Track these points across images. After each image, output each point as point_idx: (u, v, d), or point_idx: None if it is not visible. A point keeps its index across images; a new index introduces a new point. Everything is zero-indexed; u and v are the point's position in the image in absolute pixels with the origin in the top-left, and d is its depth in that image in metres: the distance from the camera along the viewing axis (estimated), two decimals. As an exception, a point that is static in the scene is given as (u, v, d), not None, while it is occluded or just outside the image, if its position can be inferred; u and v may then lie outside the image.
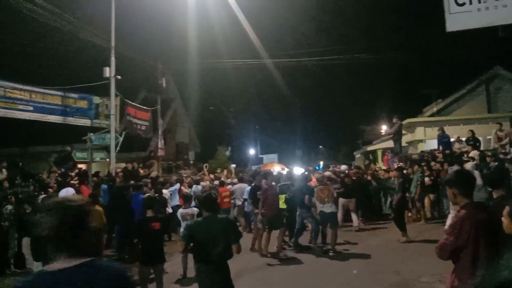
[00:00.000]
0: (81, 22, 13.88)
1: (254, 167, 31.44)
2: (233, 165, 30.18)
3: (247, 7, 17.61)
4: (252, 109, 52.09)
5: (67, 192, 4.95)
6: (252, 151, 49.07)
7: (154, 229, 5.99)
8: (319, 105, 75.93)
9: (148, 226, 5.99)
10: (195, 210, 7.95)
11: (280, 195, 10.10)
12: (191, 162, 26.36)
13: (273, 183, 10.12)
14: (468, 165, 10.17)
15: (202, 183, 13.06)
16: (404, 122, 19.11)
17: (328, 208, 9.29)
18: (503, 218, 2.26)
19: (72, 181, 11.28)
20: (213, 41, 23.74)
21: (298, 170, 22.48)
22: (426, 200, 12.38)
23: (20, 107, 12.58)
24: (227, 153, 31.87)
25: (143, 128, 16.90)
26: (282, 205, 10.00)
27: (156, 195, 9.18)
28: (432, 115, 22.36)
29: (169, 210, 10.88)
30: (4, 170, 11.74)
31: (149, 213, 6.15)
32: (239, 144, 43.32)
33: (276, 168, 26.35)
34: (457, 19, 3.67)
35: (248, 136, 48.33)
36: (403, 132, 18.29)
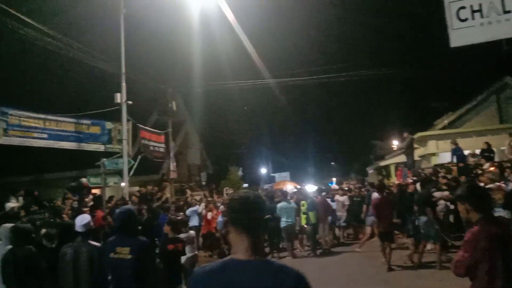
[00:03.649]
0: (91, 49, 14.20)
1: (266, 186, 31.39)
2: (245, 185, 30.16)
3: (252, 31, 17.91)
4: (263, 128, 52.30)
5: (83, 219, 5.00)
6: (263, 170, 49.03)
7: (176, 250, 6.10)
8: (330, 122, 76.05)
9: (170, 247, 6.11)
10: (192, 233, 8.49)
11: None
12: (203, 183, 26.43)
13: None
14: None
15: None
16: (416, 136, 19.03)
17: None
18: None
19: (83, 208, 11.26)
20: (219, 64, 24.07)
21: (311, 188, 22.37)
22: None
23: (35, 135, 12.81)
24: (239, 173, 31.89)
25: (161, 150, 17.10)
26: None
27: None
28: (443, 128, 22.21)
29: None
30: (20, 198, 11.92)
31: (171, 234, 6.27)
32: (250, 163, 43.36)
33: (289, 187, 26.29)
34: (460, 35, 3.69)
35: (259, 155, 48.40)
36: (415, 146, 18.18)
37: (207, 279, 1.98)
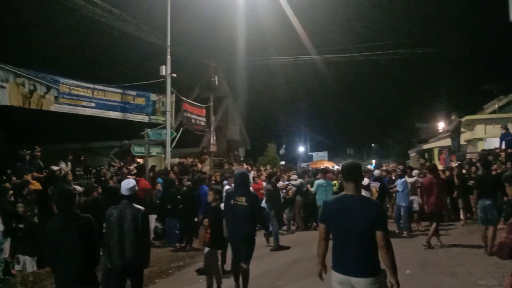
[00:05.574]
0: (138, 22, 14.46)
1: (303, 165, 31.29)
2: (282, 162, 30.22)
3: (296, 4, 17.58)
4: (302, 106, 51.89)
5: (129, 183, 5.22)
6: (301, 149, 48.83)
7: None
8: (372, 102, 74.20)
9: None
10: None
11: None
12: (241, 158, 26.73)
13: None
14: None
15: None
16: (463, 119, 18.30)
17: None
18: None
19: (129, 175, 11.64)
20: (262, 39, 23.92)
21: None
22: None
23: (84, 103, 13.33)
24: (281, 151, 31.81)
25: (202, 123, 17.41)
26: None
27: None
28: (493, 112, 21.20)
29: None
30: (69, 163, 12.52)
31: (214, 203, 6.52)
32: (289, 141, 43.28)
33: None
34: (521, 9, 3.46)
35: (297, 133, 48.19)
36: (462, 130, 17.51)
37: (331, 204, 3.56)
